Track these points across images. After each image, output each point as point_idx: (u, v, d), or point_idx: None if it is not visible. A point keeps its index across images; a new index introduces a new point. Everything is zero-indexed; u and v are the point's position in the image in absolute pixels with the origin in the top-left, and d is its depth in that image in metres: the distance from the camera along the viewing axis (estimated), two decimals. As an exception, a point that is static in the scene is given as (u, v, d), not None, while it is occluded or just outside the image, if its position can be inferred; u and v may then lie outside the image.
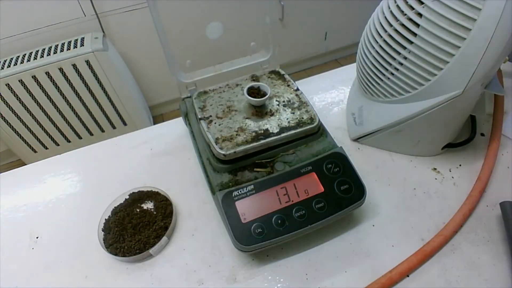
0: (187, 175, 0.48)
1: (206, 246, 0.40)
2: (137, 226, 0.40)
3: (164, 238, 0.39)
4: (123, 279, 0.38)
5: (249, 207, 0.36)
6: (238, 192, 0.37)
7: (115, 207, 0.43)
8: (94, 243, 0.40)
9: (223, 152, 0.38)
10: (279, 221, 0.36)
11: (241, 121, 0.42)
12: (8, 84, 1.13)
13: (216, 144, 0.39)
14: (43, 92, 1.20)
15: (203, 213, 0.43)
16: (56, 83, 1.20)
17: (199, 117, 0.43)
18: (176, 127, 0.55)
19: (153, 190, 0.44)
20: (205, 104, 0.45)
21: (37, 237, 0.43)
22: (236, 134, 0.40)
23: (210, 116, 0.43)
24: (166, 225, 0.40)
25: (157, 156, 0.51)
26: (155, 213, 0.42)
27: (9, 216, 0.46)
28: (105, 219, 0.42)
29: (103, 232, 0.41)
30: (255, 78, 0.48)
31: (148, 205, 0.43)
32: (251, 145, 0.39)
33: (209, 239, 0.41)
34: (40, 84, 1.18)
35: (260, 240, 0.35)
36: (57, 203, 0.47)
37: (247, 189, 0.37)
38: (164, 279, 0.38)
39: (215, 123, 0.42)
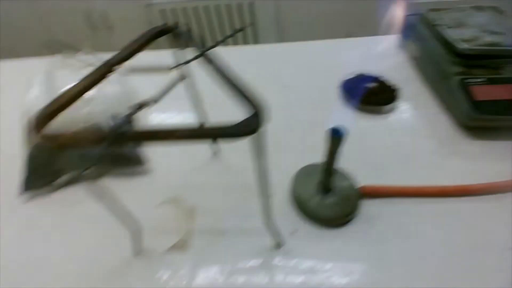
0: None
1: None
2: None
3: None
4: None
5: (482, 91, 0.45)
6: (471, 80, 0.46)
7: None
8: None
9: (462, 47, 0.47)
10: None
11: (480, 26, 0.50)
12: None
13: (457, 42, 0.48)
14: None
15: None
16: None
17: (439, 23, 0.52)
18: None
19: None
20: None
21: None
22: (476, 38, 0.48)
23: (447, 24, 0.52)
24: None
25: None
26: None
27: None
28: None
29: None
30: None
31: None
32: (489, 48, 0.47)
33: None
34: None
35: (493, 114, 0.43)
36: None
37: (480, 79, 0.46)
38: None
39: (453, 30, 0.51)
